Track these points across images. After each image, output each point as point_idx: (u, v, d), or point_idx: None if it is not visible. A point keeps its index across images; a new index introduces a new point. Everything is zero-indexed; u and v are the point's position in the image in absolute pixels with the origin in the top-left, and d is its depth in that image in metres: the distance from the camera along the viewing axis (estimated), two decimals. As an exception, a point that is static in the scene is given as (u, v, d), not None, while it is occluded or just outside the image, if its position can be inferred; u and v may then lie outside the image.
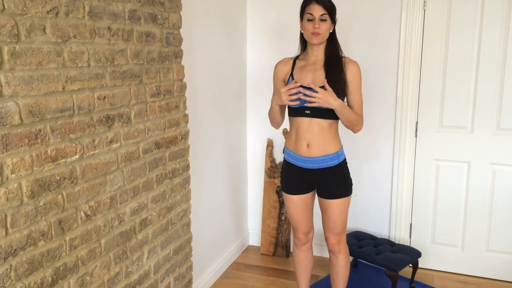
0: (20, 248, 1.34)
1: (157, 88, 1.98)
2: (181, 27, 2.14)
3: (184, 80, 2.20)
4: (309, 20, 2.07)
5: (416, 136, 2.95)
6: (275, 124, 2.32)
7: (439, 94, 2.86)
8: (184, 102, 2.22)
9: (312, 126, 2.13)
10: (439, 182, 2.95)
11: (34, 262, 1.39)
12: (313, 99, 1.99)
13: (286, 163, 2.29)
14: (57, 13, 1.41)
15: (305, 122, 2.14)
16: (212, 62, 2.75)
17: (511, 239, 2.85)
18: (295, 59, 2.25)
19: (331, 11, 2.08)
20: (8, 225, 1.29)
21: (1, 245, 1.27)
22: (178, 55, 2.13)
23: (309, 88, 2.04)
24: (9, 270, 1.30)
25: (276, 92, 2.26)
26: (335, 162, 2.17)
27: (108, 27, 1.65)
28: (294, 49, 2.93)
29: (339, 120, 2.16)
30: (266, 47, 3.21)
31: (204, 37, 2.61)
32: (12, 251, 1.31)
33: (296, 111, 2.16)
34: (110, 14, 1.65)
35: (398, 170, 2.99)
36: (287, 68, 2.23)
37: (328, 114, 2.11)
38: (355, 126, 2.17)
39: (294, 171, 2.24)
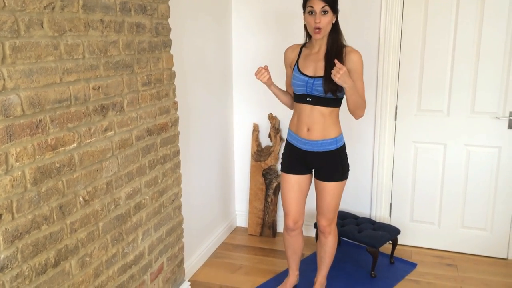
0: (25, 231, 1.42)
1: (148, 77, 2.05)
2: (169, 17, 2.20)
3: (173, 68, 2.27)
4: (310, 13, 2.11)
5: (395, 119, 3.08)
6: (287, 106, 2.51)
7: (417, 80, 2.98)
8: (174, 90, 2.29)
9: (313, 112, 2.23)
10: (417, 164, 3.10)
11: (38, 245, 1.48)
12: (336, 73, 1.99)
13: (287, 144, 2.41)
14: (53, 8, 1.47)
15: (306, 108, 2.24)
16: (199, 50, 2.81)
17: (483, 216, 3.03)
18: (302, 47, 2.31)
19: (332, 2, 2.10)
20: (14, 211, 1.37)
21: (8, 229, 1.36)
22: (167, 44, 2.20)
23: (313, 78, 2.15)
24: (16, 252, 1.39)
25: (287, 76, 2.40)
26: (333, 147, 2.27)
27: (101, 20, 1.71)
28: (278, 36, 3.00)
29: (345, 104, 2.20)
30: (251, 33, 3.28)
31: (191, 25, 2.67)
32: (18, 235, 1.40)
33: (299, 98, 2.27)
34: (103, 7, 1.71)
35: (379, 152, 3.13)
36: (294, 54, 2.32)
37: (328, 102, 2.20)
38: (359, 110, 2.19)
39: (294, 152, 2.35)
